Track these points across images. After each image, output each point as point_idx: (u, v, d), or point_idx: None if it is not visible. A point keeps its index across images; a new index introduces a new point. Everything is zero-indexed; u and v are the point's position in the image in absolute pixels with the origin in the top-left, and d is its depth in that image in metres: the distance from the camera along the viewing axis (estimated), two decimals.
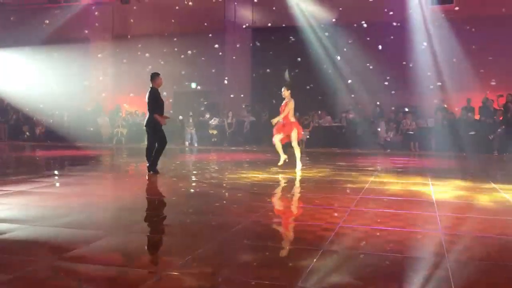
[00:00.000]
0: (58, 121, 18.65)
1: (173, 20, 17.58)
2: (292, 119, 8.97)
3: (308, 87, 16.76)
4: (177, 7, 17.45)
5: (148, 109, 8.14)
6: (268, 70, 17.49)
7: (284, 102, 9.01)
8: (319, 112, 16.63)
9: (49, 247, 3.83)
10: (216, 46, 16.59)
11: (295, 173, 8.56)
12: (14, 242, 3.93)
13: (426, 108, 15.69)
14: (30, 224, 4.49)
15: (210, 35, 17.31)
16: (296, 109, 15.40)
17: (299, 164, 8.93)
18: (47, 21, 18.68)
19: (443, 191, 6.69)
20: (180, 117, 17.42)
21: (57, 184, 7.59)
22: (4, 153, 14.77)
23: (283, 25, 17.01)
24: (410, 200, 5.95)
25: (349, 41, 16.53)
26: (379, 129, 15.35)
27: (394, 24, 15.48)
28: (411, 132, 14.80)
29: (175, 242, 4.01)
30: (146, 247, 3.91)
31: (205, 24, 17.34)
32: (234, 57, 17.95)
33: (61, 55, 18.87)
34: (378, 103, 16.19)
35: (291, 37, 16.69)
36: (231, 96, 18.03)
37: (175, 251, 3.72)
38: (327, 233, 4.21)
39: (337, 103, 17.36)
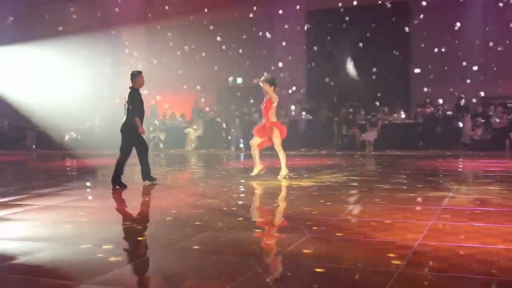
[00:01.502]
0: (90, 126, 19.32)
1: (205, 9, 17.75)
2: (273, 118, 8.77)
3: (374, 77, 16.54)
4: None
5: (128, 112, 8.18)
6: (326, 61, 17.37)
7: (265, 99, 8.77)
8: (389, 106, 16.30)
9: (82, 268, 3.95)
10: (267, 35, 16.60)
11: (279, 180, 8.56)
12: (43, 263, 4.09)
13: None
14: (61, 243, 4.66)
15: (257, 22, 17.36)
16: (361, 104, 15.20)
17: (283, 170, 8.80)
18: (73, 12, 19.49)
19: None
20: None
21: (90, 198, 7.86)
22: (31, 163, 15.47)
23: (342, 6, 16.84)
24: (505, 212, 5.70)
25: (424, 21, 16.19)
26: (463, 126, 14.85)
27: None
28: (502, 128, 14.21)
29: (227, 262, 4.03)
30: (194, 270, 3.94)
31: (250, 9, 17.42)
32: (285, 46, 17.93)
33: (89, 51, 19.56)
34: (462, 94, 15.69)
35: (351, 19, 16.52)
36: (283, 92, 18.03)
37: (228, 273, 3.74)
38: (404, 251, 4.10)
39: (411, 96, 17.00)
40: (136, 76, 8.27)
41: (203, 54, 18.62)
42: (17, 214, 6.07)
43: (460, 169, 10.48)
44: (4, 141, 20.11)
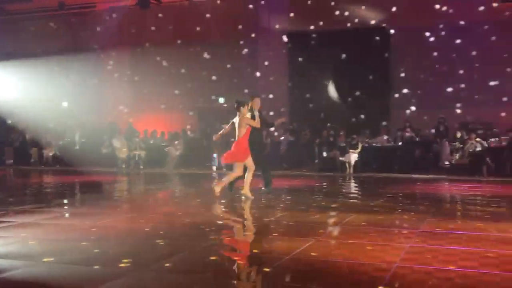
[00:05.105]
0: (69, 142, 19.13)
1: (198, 28, 17.85)
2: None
3: (353, 100, 16.71)
4: (202, 13, 17.80)
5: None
6: (308, 82, 17.51)
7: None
8: (370, 129, 16.46)
9: (57, 287, 3.87)
10: (245, 51, 16.72)
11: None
12: (17, 282, 4.00)
13: (502, 125, 15.37)
14: (36, 261, 4.57)
15: (241, 42, 17.45)
16: (343, 126, 15.27)
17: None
18: (56, 28, 19.44)
19: None
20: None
21: (67, 215, 7.74)
22: (8, 179, 15.22)
23: (323, 29, 17.04)
24: (482, 236, 5.74)
25: (403, 46, 16.50)
26: (441, 150, 15.00)
27: (462, 23, 15.22)
28: (479, 154, 14.40)
29: (204, 281, 3.99)
30: None
31: (234, 30, 17.52)
32: (268, 67, 18.03)
33: (71, 68, 19.49)
34: (441, 119, 15.92)
35: (332, 42, 16.75)
36: (264, 112, 18.05)
37: None
38: (382, 273, 4.10)
39: (391, 119, 17.18)
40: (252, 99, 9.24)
41: (185, 73, 18.69)
42: None
43: (437, 193, 10.57)
44: None
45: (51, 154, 19.00)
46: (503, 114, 15.18)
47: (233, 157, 8.92)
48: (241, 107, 8.93)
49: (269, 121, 10.50)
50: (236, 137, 8.97)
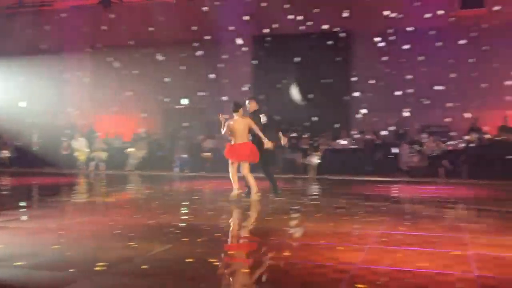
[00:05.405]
0: (27, 143, 18.70)
1: (152, 28, 17.65)
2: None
3: (314, 103, 16.88)
4: (164, 14, 17.64)
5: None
6: (272, 84, 17.61)
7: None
8: (331, 132, 16.65)
9: None
10: (200, 52, 16.75)
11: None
12: None
13: (458, 128, 15.79)
14: (7, 266, 4.44)
15: (199, 44, 17.36)
16: (305, 129, 15.25)
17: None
18: (12, 27, 19.04)
19: (476, 226, 6.65)
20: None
21: (24, 218, 7.55)
22: None
23: (288, 33, 17.17)
24: (438, 236, 5.89)
25: (356, 50, 16.82)
26: (400, 153, 15.31)
27: (410, 29, 15.55)
28: (436, 156, 14.77)
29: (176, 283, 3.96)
30: None
31: (197, 32, 17.44)
32: (231, 69, 18.03)
33: (30, 68, 19.04)
34: (398, 120, 16.24)
35: (290, 46, 16.90)
36: (229, 114, 18.03)
37: None
38: (341, 275, 4.15)
39: (352, 122, 17.43)
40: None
41: (147, 75, 18.55)
42: None
43: (396, 195, 10.78)
44: None
45: (7, 155, 18.52)
46: (447, 119, 15.66)
47: (254, 156, 9.14)
48: (240, 108, 8.97)
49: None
50: (239, 139, 8.90)
